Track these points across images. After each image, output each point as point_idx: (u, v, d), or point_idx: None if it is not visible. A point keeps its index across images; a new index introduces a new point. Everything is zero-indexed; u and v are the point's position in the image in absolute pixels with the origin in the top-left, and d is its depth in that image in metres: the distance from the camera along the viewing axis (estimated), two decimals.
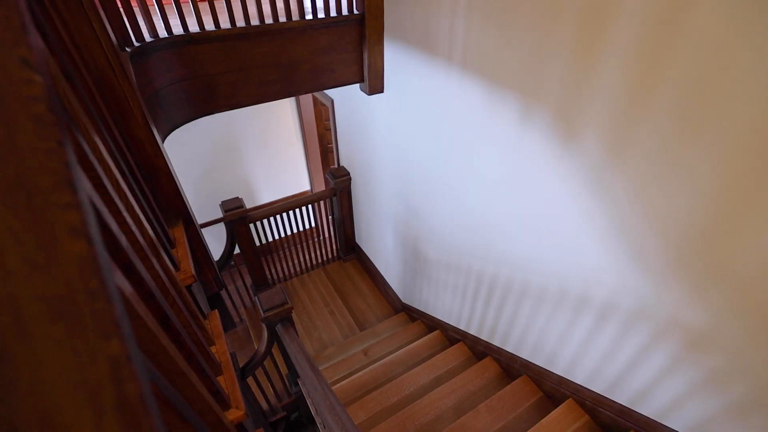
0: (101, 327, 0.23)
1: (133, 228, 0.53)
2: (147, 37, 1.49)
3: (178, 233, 1.14)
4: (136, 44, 1.38)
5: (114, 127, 0.85)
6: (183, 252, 1.05)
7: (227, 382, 0.83)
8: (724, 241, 1.03)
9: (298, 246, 4.36)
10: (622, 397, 1.64)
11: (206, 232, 3.34)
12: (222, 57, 1.74)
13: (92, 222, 0.27)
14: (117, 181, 0.57)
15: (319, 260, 4.06)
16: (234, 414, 0.77)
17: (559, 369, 1.92)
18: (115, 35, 1.09)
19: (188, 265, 0.99)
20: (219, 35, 1.67)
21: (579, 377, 1.82)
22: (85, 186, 0.31)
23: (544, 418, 1.86)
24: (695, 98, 0.95)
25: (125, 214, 0.52)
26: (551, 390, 2.03)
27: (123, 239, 0.46)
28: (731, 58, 0.87)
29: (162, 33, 1.56)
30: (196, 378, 0.48)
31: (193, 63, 1.67)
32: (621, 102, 1.12)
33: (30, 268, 0.22)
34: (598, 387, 1.74)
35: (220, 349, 0.91)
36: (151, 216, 0.84)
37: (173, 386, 0.41)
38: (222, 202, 2.93)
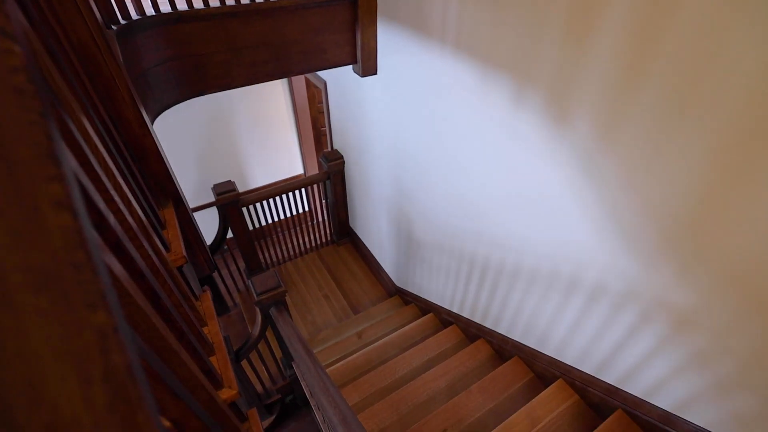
0: (87, 298, 0.23)
1: (122, 207, 0.52)
2: (133, 15, 1.45)
3: (169, 214, 1.13)
4: (122, 22, 1.34)
5: (100, 105, 0.83)
6: (174, 233, 1.04)
7: (220, 362, 0.84)
8: (711, 224, 1.04)
9: (292, 230, 4.35)
10: (610, 376, 1.68)
11: (199, 216, 3.32)
12: (212, 36, 1.70)
13: (77, 195, 0.27)
14: (104, 159, 0.56)
15: (313, 244, 4.07)
16: (227, 393, 0.78)
17: (549, 350, 1.96)
18: (100, 12, 1.06)
19: (179, 246, 0.98)
20: (208, 13, 1.63)
21: (569, 358, 1.86)
22: (70, 160, 0.30)
23: (535, 398, 1.90)
24: (685, 83, 0.95)
25: (113, 192, 0.52)
26: (542, 371, 2.08)
27: (111, 217, 0.46)
28: (720, 45, 0.86)
29: (149, 11, 1.52)
30: (188, 356, 0.48)
31: (181, 42, 1.63)
32: (612, 84, 1.11)
33: (13, 238, 0.21)
34: (587, 367, 1.78)
35: (213, 329, 0.92)
36: (140, 196, 0.83)
37: (164, 363, 0.41)
38: (214, 185, 2.91)
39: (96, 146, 0.56)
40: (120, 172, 0.64)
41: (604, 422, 1.67)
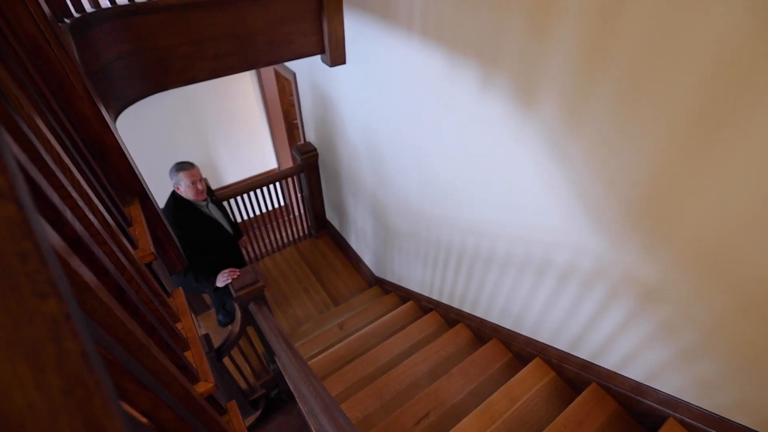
0: (36, 288, 0.23)
1: (80, 203, 0.51)
2: (87, 8, 1.39)
3: (135, 212, 1.10)
4: (76, 15, 1.28)
5: (53, 101, 0.80)
6: (140, 230, 1.01)
7: (195, 356, 0.84)
8: (671, 201, 1.09)
9: (269, 225, 4.30)
10: (584, 352, 1.74)
11: None
12: (173, 29, 1.64)
13: (22, 186, 0.26)
14: (59, 155, 0.54)
15: (291, 238, 4.04)
16: (203, 386, 0.77)
17: (526, 330, 2.02)
18: (48, 5, 1.01)
19: (146, 243, 0.96)
20: (167, 5, 1.57)
21: (544, 336, 1.92)
22: (13, 151, 0.29)
23: (514, 378, 1.95)
24: (643, 64, 0.98)
25: (70, 189, 0.50)
26: (519, 350, 2.14)
27: (68, 213, 0.45)
28: (674, 28, 0.90)
29: (104, 2, 1.46)
30: (158, 350, 0.47)
31: (141, 35, 1.58)
32: (575, 67, 1.14)
33: None
34: (562, 345, 1.84)
35: (186, 325, 0.91)
36: (102, 193, 0.80)
37: (132, 357, 0.41)
38: None
39: (49, 142, 0.54)
40: (78, 169, 0.62)
41: (580, 396, 1.74)
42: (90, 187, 0.65)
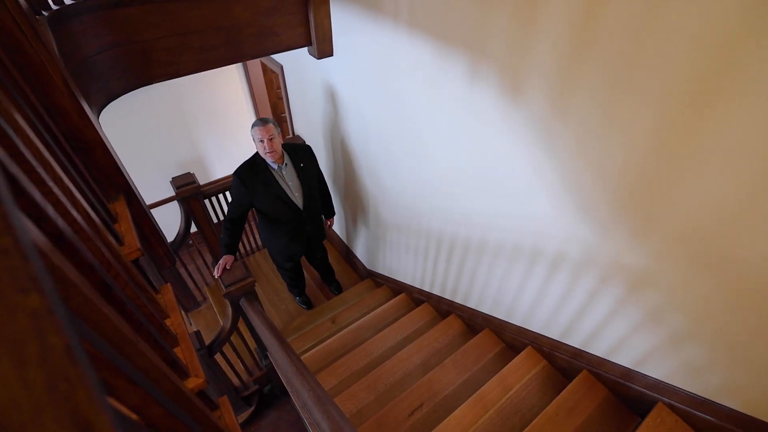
0: (17, 283, 0.22)
1: (63, 199, 0.50)
2: (66, 0, 1.35)
3: (120, 208, 1.08)
4: (54, 7, 1.25)
5: (32, 96, 0.77)
6: (126, 226, 1.00)
7: (185, 352, 0.83)
8: (658, 189, 1.10)
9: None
10: (575, 340, 1.77)
11: (162, 211, 3.18)
12: (156, 21, 1.61)
13: (0, 182, 0.26)
14: (39, 150, 0.52)
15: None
16: (193, 382, 0.77)
17: (517, 320, 2.04)
18: None
19: (133, 239, 0.94)
20: None
21: (536, 326, 1.94)
22: None
23: (506, 367, 1.98)
24: (630, 50, 0.99)
25: (51, 184, 0.49)
26: (512, 340, 2.16)
27: (50, 209, 0.44)
28: (660, 13, 0.90)
29: None
30: (146, 346, 0.47)
31: (123, 28, 1.54)
32: (562, 55, 1.14)
33: None
34: (553, 333, 1.86)
35: (175, 321, 0.90)
36: (85, 189, 0.79)
37: (119, 352, 0.40)
38: (173, 178, 2.80)
39: (28, 137, 0.52)
40: (60, 165, 0.61)
41: (571, 383, 1.77)
42: (72, 182, 0.64)
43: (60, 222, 0.44)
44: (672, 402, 1.47)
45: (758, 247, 0.97)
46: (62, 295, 0.36)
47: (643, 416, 1.53)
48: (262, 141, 2.18)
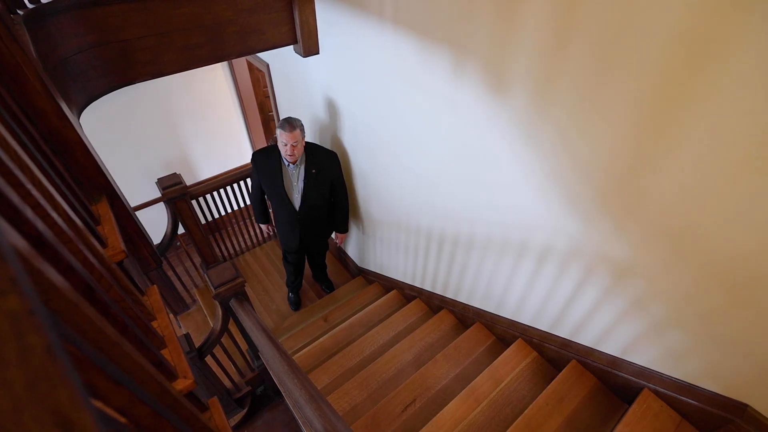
0: None
1: (42, 201, 0.49)
2: None
3: (103, 209, 1.06)
4: (30, 6, 1.22)
5: (8, 96, 0.76)
6: (110, 228, 0.98)
7: (173, 353, 0.82)
8: (638, 180, 1.12)
9: (248, 220, 4.23)
10: (563, 331, 1.79)
11: (149, 212, 3.13)
12: (137, 20, 1.58)
13: None
14: (15, 153, 0.52)
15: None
16: (182, 383, 0.77)
17: (507, 313, 2.06)
18: None
19: (116, 241, 0.93)
20: None
21: (525, 318, 1.96)
22: None
23: (497, 359, 2.00)
24: (607, 46, 1.00)
25: (29, 186, 0.48)
26: (502, 333, 2.18)
27: (29, 212, 0.43)
28: (636, 6, 0.91)
29: None
30: (132, 348, 0.46)
31: (103, 27, 1.51)
32: (543, 51, 1.15)
33: None
34: (542, 325, 1.89)
35: (162, 323, 0.89)
36: (65, 191, 0.77)
37: (104, 354, 0.40)
38: (158, 179, 2.76)
39: (5, 139, 0.52)
40: (38, 167, 0.60)
41: (561, 373, 1.79)
42: (52, 184, 0.63)
43: (39, 224, 0.44)
44: (657, 388, 1.50)
45: (730, 235, 1.00)
46: (43, 297, 0.35)
47: (630, 403, 1.56)
48: (285, 145, 2.21)
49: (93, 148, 1.16)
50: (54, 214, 0.52)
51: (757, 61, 0.79)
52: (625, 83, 1.01)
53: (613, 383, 1.71)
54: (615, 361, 1.62)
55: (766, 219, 0.92)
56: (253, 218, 3.91)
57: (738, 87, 0.84)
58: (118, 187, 1.28)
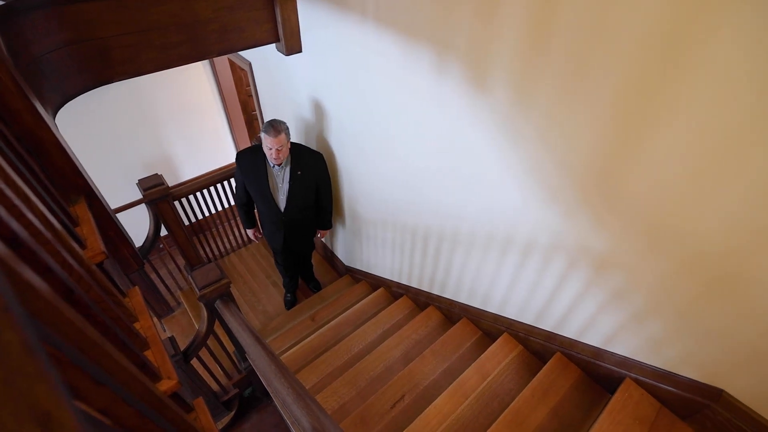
0: None
1: (16, 201, 0.48)
2: None
3: (81, 210, 1.04)
4: (0, 2, 1.18)
5: None
6: (89, 229, 0.96)
7: (156, 355, 0.81)
8: (615, 173, 1.15)
9: (232, 221, 4.19)
10: (547, 324, 1.82)
11: (131, 214, 3.06)
12: (113, 17, 1.55)
13: None
14: None
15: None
16: (166, 384, 0.76)
17: (493, 308, 2.09)
18: None
19: (96, 242, 0.91)
20: None
21: (511, 312, 1.99)
22: None
23: (483, 354, 2.02)
24: (584, 43, 1.02)
25: (3, 187, 0.47)
26: (488, 328, 2.21)
27: (2, 211, 0.42)
28: (609, 9, 0.94)
29: None
30: (113, 349, 0.46)
31: (78, 25, 1.48)
32: (523, 47, 1.17)
33: None
34: (527, 318, 1.92)
35: (145, 324, 0.88)
36: (42, 192, 0.76)
37: (84, 355, 0.39)
38: (139, 180, 2.71)
39: None
40: (13, 167, 0.58)
41: (546, 365, 1.83)
42: (27, 185, 0.61)
43: (15, 225, 0.43)
44: (638, 377, 1.54)
45: (701, 224, 1.04)
46: (20, 297, 0.35)
47: (613, 392, 1.60)
48: (270, 149, 2.18)
49: (70, 149, 1.14)
50: (30, 215, 0.51)
51: (727, 58, 0.82)
52: (602, 80, 1.04)
53: (596, 374, 1.74)
54: (598, 352, 1.65)
55: (739, 214, 0.96)
56: (237, 218, 3.88)
57: (711, 84, 0.86)
58: (97, 188, 1.25)
